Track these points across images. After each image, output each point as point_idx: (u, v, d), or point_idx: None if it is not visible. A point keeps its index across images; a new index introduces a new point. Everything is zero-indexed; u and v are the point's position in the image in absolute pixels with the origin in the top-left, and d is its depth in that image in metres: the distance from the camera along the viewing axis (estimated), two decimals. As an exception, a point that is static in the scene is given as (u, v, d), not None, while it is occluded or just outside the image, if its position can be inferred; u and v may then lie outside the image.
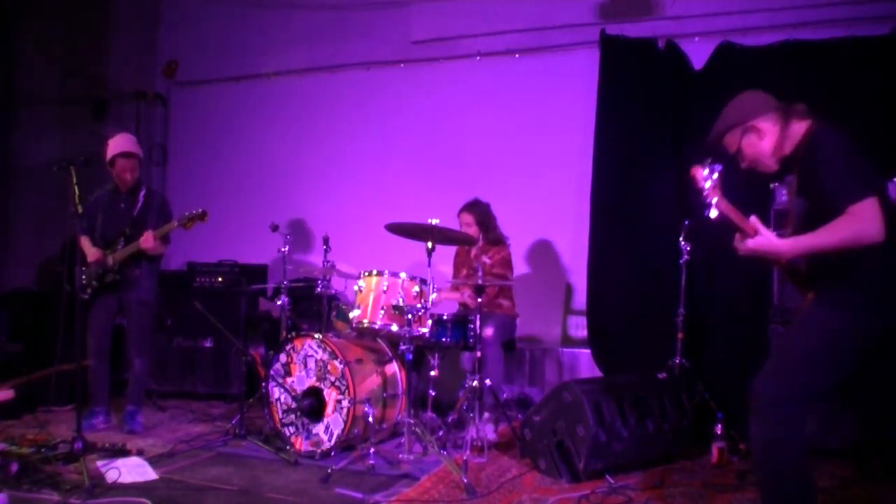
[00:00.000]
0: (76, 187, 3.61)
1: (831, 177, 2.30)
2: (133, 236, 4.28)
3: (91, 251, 4.38)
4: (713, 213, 2.46)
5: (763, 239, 2.40)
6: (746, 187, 4.50)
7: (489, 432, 4.16)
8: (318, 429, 3.89)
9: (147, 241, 4.22)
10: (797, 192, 2.48)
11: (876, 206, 2.21)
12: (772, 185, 4.18)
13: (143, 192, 4.48)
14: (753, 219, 2.44)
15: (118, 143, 4.41)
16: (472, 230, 4.67)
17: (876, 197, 2.22)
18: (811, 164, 2.38)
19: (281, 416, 4.02)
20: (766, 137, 2.50)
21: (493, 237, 4.77)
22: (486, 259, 4.70)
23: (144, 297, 4.44)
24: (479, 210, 4.75)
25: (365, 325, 3.95)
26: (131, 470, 3.40)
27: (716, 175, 2.46)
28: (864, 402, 3.68)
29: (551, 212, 5.52)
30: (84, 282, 4.35)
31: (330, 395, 3.88)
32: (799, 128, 2.45)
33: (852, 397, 3.63)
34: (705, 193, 2.47)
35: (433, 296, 3.99)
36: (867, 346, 2.36)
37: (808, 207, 2.42)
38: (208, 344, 5.42)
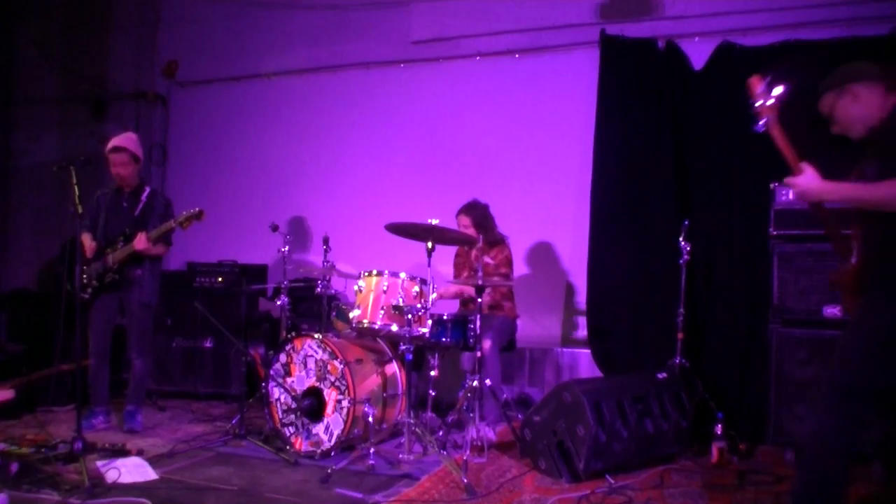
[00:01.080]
0: (76, 187, 3.60)
1: None
2: (132, 236, 4.27)
3: (89, 245, 4.37)
4: (761, 128, 2.49)
5: (806, 177, 2.44)
6: (750, 186, 4.58)
7: (489, 433, 4.17)
8: (318, 429, 3.89)
9: (140, 242, 4.20)
10: (870, 157, 2.48)
11: None
12: (772, 186, 4.18)
13: (146, 193, 4.47)
14: (804, 163, 2.47)
15: (112, 140, 4.42)
16: (470, 232, 4.66)
17: None
18: (890, 136, 2.41)
19: (281, 416, 4.02)
20: (859, 103, 2.52)
21: (493, 238, 4.77)
22: (487, 259, 4.70)
23: (146, 299, 4.43)
24: (477, 212, 4.73)
25: (365, 325, 3.94)
26: (131, 470, 3.40)
27: (776, 94, 2.48)
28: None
29: (551, 211, 5.52)
30: (84, 281, 4.35)
31: (330, 396, 3.88)
32: (891, 102, 2.46)
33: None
34: (757, 108, 2.49)
35: (433, 296, 3.99)
36: None
37: (878, 172, 2.40)
38: (208, 344, 5.42)
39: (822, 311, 3.90)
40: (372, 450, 3.61)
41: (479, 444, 3.90)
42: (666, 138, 5.00)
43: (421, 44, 5.91)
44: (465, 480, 3.29)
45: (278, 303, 4.59)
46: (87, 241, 4.41)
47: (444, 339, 4.13)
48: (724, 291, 4.75)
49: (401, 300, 3.87)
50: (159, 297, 4.64)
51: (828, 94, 2.60)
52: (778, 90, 2.49)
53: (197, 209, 4.19)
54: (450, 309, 4.90)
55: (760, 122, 2.51)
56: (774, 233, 4.14)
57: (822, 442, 2.40)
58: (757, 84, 2.52)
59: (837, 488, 2.40)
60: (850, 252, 2.54)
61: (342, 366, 3.83)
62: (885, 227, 2.39)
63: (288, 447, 3.93)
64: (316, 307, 4.75)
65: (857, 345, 2.43)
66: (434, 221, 3.83)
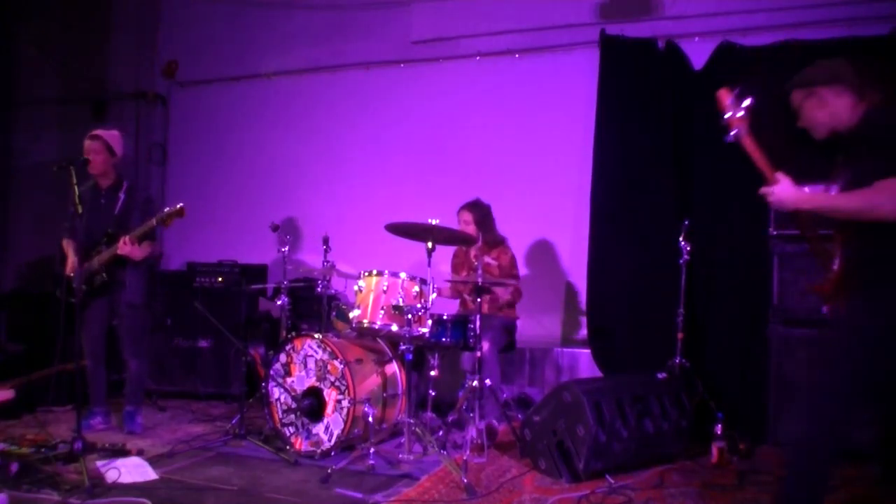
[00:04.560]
0: (76, 187, 3.60)
1: (879, 153, 2.33)
2: (115, 236, 4.16)
3: (69, 261, 4.26)
4: (731, 139, 2.53)
5: (782, 186, 2.45)
6: (750, 186, 4.57)
7: (495, 424, 4.18)
8: (318, 429, 3.89)
9: (124, 247, 4.07)
10: (843, 165, 2.48)
11: None
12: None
13: (124, 189, 4.35)
14: (779, 173, 2.47)
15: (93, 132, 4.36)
16: (470, 228, 4.68)
17: None
18: (866, 138, 2.41)
19: (281, 416, 4.02)
20: (825, 108, 2.52)
21: (493, 238, 4.78)
22: (489, 259, 4.71)
23: (132, 299, 4.32)
24: (480, 210, 4.76)
25: (365, 325, 3.94)
26: (131, 470, 3.40)
27: (745, 105, 2.50)
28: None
29: (551, 211, 5.52)
30: (73, 285, 4.17)
31: (330, 395, 3.88)
32: (860, 109, 2.46)
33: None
34: (727, 119, 2.52)
35: (433, 296, 3.98)
36: None
37: (851, 180, 2.41)
38: (208, 344, 5.41)
39: (822, 311, 3.88)
40: (372, 450, 3.61)
41: (479, 442, 3.90)
42: (666, 138, 5.00)
43: (421, 44, 5.91)
44: (465, 480, 3.29)
45: (278, 303, 4.59)
46: (68, 248, 4.33)
47: (444, 339, 4.13)
48: (724, 291, 4.76)
49: (401, 300, 3.87)
50: (157, 297, 4.62)
51: (796, 92, 2.59)
52: (746, 102, 2.51)
53: (179, 205, 4.05)
54: (450, 309, 4.89)
55: (731, 134, 2.53)
56: (774, 233, 4.15)
57: (807, 444, 2.41)
58: (725, 96, 2.55)
59: (819, 489, 2.41)
60: (831, 259, 2.55)
61: (342, 366, 3.83)
62: (863, 233, 2.40)
63: (288, 447, 3.93)
64: (316, 307, 4.75)
65: (839, 347, 2.44)
66: (434, 221, 3.83)
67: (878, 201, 2.25)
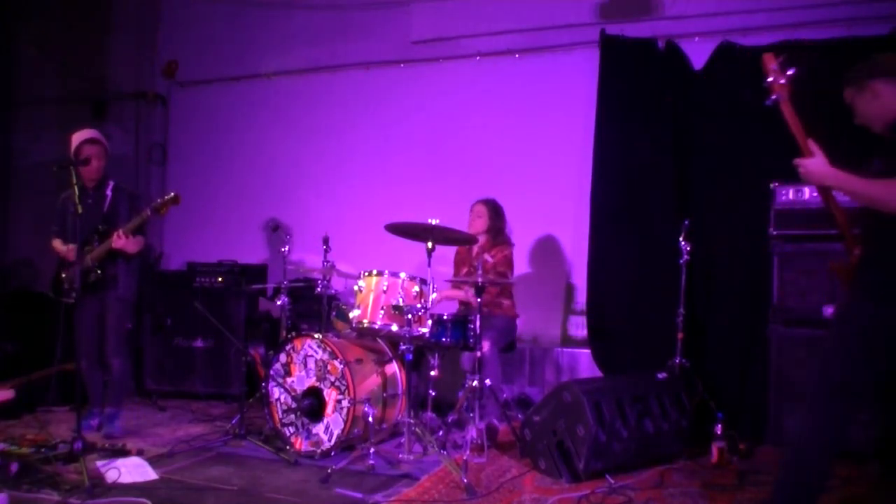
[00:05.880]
0: (76, 187, 3.60)
1: None
2: (106, 232, 4.17)
3: (67, 250, 4.25)
4: (771, 103, 2.54)
5: (816, 161, 2.47)
6: (750, 187, 4.57)
7: (497, 424, 4.18)
8: (318, 429, 3.89)
9: (118, 240, 4.09)
10: (881, 153, 2.50)
11: None
12: (772, 185, 4.18)
13: (110, 187, 4.36)
14: (811, 141, 2.49)
15: (81, 133, 4.34)
16: (482, 221, 4.71)
17: None
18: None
19: (281, 416, 4.02)
20: (878, 100, 2.53)
21: (500, 238, 4.79)
22: (487, 257, 4.71)
23: (123, 295, 4.32)
24: (495, 207, 4.82)
25: (365, 325, 3.94)
26: (131, 470, 3.40)
27: (788, 73, 2.52)
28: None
29: (551, 211, 5.51)
30: (66, 286, 4.21)
31: (330, 395, 3.88)
32: None
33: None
34: (769, 82, 2.54)
35: (433, 296, 3.99)
36: None
37: (884, 169, 2.43)
38: (208, 344, 5.41)
39: (822, 311, 3.90)
40: (372, 450, 3.61)
41: (479, 442, 3.90)
42: (666, 138, 5.00)
43: (421, 44, 5.91)
44: (465, 480, 3.29)
45: (278, 303, 4.59)
46: (60, 247, 4.32)
47: (444, 339, 4.12)
48: (724, 291, 4.75)
49: (401, 300, 3.87)
50: (157, 297, 4.60)
51: (848, 89, 2.61)
52: (790, 71, 2.52)
53: (172, 193, 4.08)
54: (450, 309, 4.89)
55: (772, 98, 2.54)
56: (774, 233, 4.15)
57: (806, 440, 2.42)
58: (770, 61, 2.55)
59: (817, 486, 2.42)
60: (856, 248, 2.56)
61: (342, 366, 3.83)
62: (880, 232, 2.40)
63: (288, 447, 3.93)
64: (316, 307, 4.75)
65: (839, 345, 2.45)
66: (434, 221, 3.83)
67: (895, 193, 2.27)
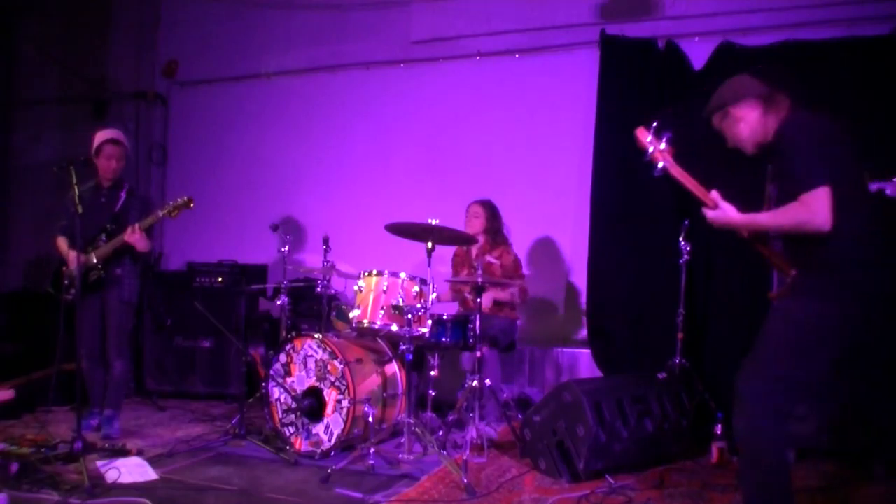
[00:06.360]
0: (76, 187, 3.60)
1: (793, 165, 2.42)
2: (115, 231, 4.16)
3: (69, 255, 4.22)
4: (659, 173, 2.63)
5: (721, 211, 2.56)
6: (750, 187, 4.56)
7: (489, 431, 4.17)
8: (318, 429, 3.89)
9: (132, 235, 4.08)
10: (771, 179, 2.56)
11: (826, 196, 2.30)
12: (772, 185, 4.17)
13: (124, 190, 4.37)
14: (714, 192, 2.58)
15: (105, 133, 4.37)
16: (479, 221, 4.72)
17: (829, 187, 2.30)
18: (780, 151, 2.49)
19: (281, 416, 4.02)
20: (742, 123, 2.61)
21: (499, 238, 4.80)
22: (490, 259, 4.72)
23: (126, 298, 4.31)
24: (491, 207, 4.84)
25: (365, 325, 3.94)
26: (131, 470, 3.40)
27: (664, 141, 2.61)
28: (858, 399, 3.68)
29: (551, 211, 5.51)
30: (66, 283, 4.18)
31: (330, 395, 3.88)
32: (777, 117, 2.53)
33: (845, 395, 3.63)
34: (649, 155, 2.64)
35: (433, 296, 3.99)
36: (843, 336, 2.40)
37: (779, 195, 2.50)
38: (208, 344, 5.41)
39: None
40: (372, 450, 3.61)
41: (479, 442, 3.90)
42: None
43: (421, 44, 5.91)
44: (465, 480, 3.29)
45: (278, 303, 4.59)
46: (63, 247, 4.30)
47: (444, 339, 4.13)
48: (724, 291, 4.75)
49: (401, 300, 3.87)
50: (157, 297, 4.59)
51: (714, 116, 2.69)
52: (666, 136, 2.62)
53: (186, 197, 4.09)
54: (450, 309, 4.89)
55: (658, 168, 2.62)
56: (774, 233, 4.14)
57: (755, 436, 2.43)
58: (643, 134, 2.65)
59: (783, 481, 2.41)
60: (790, 271, 2.59)
61: (342, 366, 3.83)
62: (802, 246, 2.46)
63: (288, 447, 3.93)
64: (316, 307, 4.75)
65: (776, 337, 2.49)
66: (434, 221, 3.83)
67: (806, 217, 2.33)
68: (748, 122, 2.59)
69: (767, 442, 2.40)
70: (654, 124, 2.64)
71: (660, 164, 2.62)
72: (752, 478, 2.45)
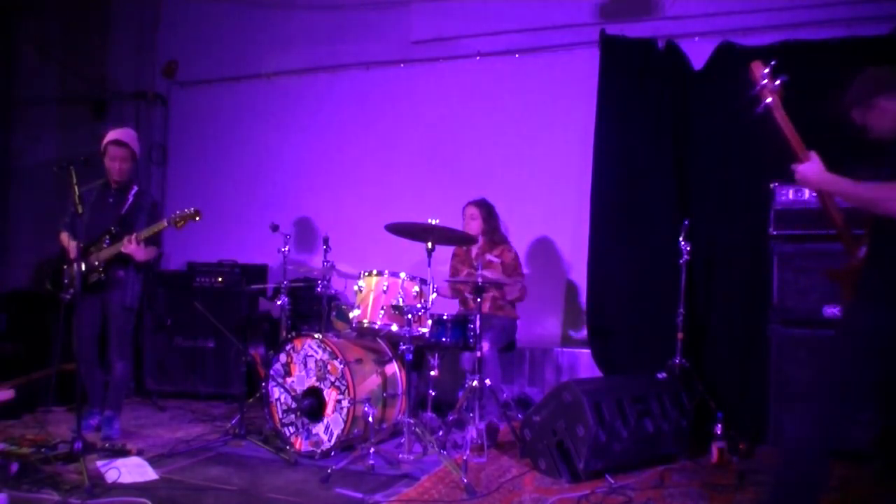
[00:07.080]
0: (76, 187, 3.60)
1: None
2: (119, 235, 4.11)
3: (70, 245, 4.18)
4: (763, 109, 2.56)
5: (814, 164, 2.49)
6: (750, 187, 4.57)
7: (499, 424, 4.18)
8: (318, 429, 3.89)
9: (128, 245, 4.03)
10: (886, 167, 2.51)
11: None
12: (772, 185, 4.18)
13: (133, 192, 4.31)
14: (812, 151, 2.51)
15: (113, 133, 4.31)
16: (476, 223, 4.72)
17: None
18: None
19: (281, 416, 4.02)
20: (886, 115, 2.55)
21: (496, 237, 4.80)
22: (491, 257, 4.72)
23: (129, 303, 4.26)
24: (487, 207, 4.84)
25: (365, 325, 3.94)
26: (131, 470, 3.40)
27: (777, 82, 2.54)
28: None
29: (551, 211, 5.52)
30: (66, 280, 4.14)
31: (330, 395, 3.88)
32: None
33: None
34: (758, 89, 2.56)
35: (433, 296, 3.99)
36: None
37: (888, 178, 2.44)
38: (209, 344, 5.41)
39: (822, 311, 3.90)
40: (372, 450, 3.61)
41: (480, 442, 3.90)
42: (666, 138, 4.99)
43: (421, 44, 5.91)
44: (465, 480, 3.29)
45: (278, 303, 4.59)
46: (65, 240, 4.28)
47: (444, 339, 4.13)
48: (724, 291, 4.75)
49: (401, 300, 3.87)
50: (157, 297, 4.58)
51: (856, 110, 2.62)
52: (782, 77, 2.55)
53: (193, 209, 4.04)
54: (450, 309, 4.89)
55: (762, 104, 2.55)
56: (774, 233, 4.15)
57: (806, 439, 2.42)
58: (758, 68, 2.56)
59: (817, 486, 2.42)
60: (858, 249, 2.56)
61: (342, 366, 3.84)
62: (881, 235, 2.41)
63: (288, 447, 3.93)
64: (316, 307, 4.75)
65: (842, 345, 2.46)
66: (434, 221, 3.83)
67: (887, 195, 2.30)
68: (893, 113, 2.54)
69: (817, 449, 2.40)
70: (773, 62, 2.56)
71: (768, 100, 2.54)
72: (791, 476, 2.45)
